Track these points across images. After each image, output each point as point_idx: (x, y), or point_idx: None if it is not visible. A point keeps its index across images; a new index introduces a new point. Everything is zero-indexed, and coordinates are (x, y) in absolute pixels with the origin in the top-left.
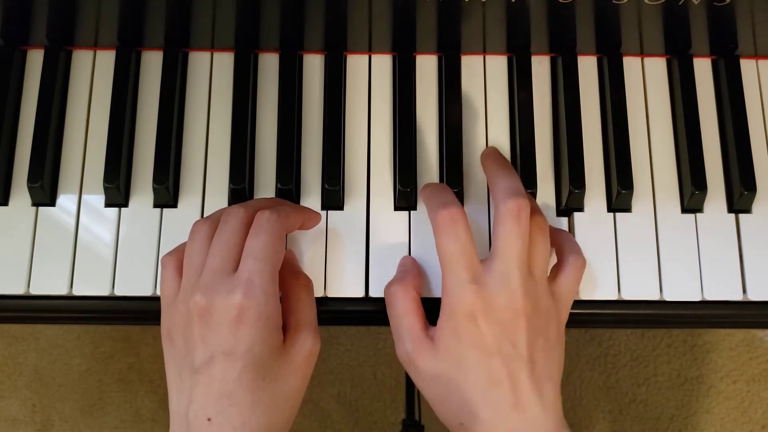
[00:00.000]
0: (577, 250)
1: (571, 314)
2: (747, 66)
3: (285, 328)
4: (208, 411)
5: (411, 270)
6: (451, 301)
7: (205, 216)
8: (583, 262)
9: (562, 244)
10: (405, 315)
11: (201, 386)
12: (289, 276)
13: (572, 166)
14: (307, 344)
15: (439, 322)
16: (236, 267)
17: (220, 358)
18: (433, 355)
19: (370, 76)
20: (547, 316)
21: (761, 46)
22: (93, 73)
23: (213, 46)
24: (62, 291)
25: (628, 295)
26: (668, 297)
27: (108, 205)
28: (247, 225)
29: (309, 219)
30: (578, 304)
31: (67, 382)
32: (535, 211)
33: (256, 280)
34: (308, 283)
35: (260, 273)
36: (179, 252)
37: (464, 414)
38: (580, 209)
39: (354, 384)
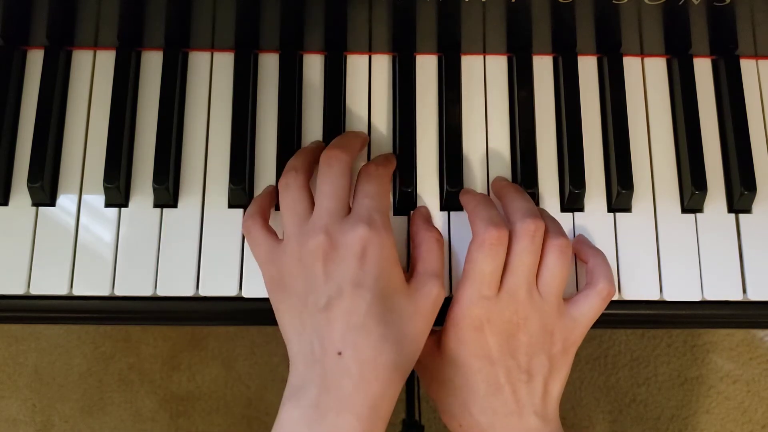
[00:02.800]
0: (608, 278)
1: None
2: (747, 66)
3: (413, 273)
4: (338, 345)
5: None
6: (462, 310)
7: (204, 215)
8: (610, 292)
9: (594, 268)
10: None
11: (328, 322)
12: (423, 227)
13: (572, 166)
14: (434, 290)
15: (446, 326)
16: (348, 209)
17: (348, 291)
18: (439, 358)
19: (370, 76)
20: (551, 336)
21: (761, 46)
22: (93, 73)
23: (213, 46)
24: (62, 291)
25: (628, 295)
26: (668, 297)
27: (108, 205)
28: (350, 168)
29: (394, 161)
30: None
31: (67, 382)
32: (559, 234)
33: (376, 216)
34: (440, 237)
35: (378, 211)
36: (258, 211)
37: (464, 417)
38: (580, 209)
39: None
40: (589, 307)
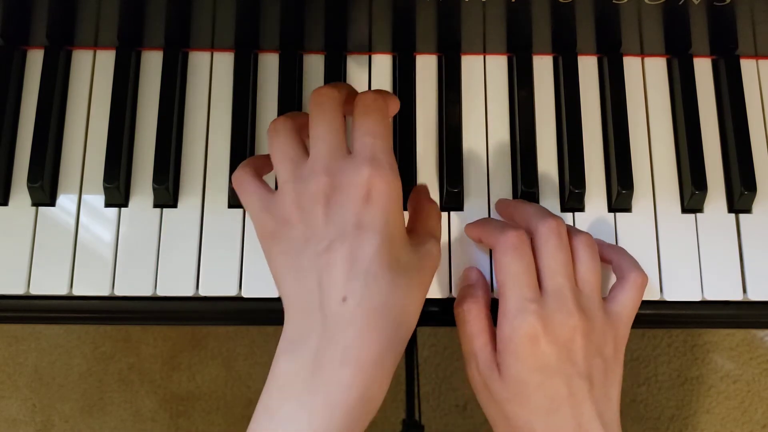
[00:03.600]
0: (637, 267)
1: None
2: (747, 66)
3: (415, 232)
4: (342, 290)
5: (481, 284)
6: (513, 322)
7: (204, 215)
8: (644, 280)
9: (620, 262)
10: (477, 335)
11: (331, 265)
12: (425, 196)
13: (572, 166)
14: (434, 250)
15: (499, 344)
16: (346, 150)
17: (351, 233)
18: (499, 377)
19: (370, 76)
20: (603, 335)
21: (761, 46)
22: (93, 73)
23: (213, 46)
24: (62, 291)
25: None
26: (668, 297)
27: (108, 205)
28: (342, 106)
29: (395, 103)
30: None
31: (67, 382)
32: (579, 230)
33: (380, 155)
34: (438, 209)
35: (382, 149)
36: (251, 164)
37: None
38: (581, 209)
39: None
40: (629, 298)
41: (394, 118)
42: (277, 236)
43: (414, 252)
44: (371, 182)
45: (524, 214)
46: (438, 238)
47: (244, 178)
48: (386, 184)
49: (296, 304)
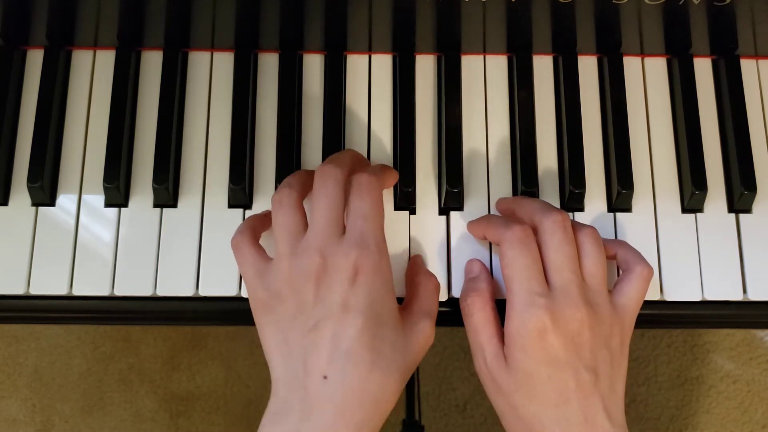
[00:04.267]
0: (642, 260)
1: None
2: (747, 66)
3: (408, 309)
4: (324, 369)
5: (484, 277)
6: (521, 316)
7: (204, 215)
8: (649, 273)
9: (625, 255)
10: (483, 327)
11: (315, 344)
12: (422, 270)
13: (572, 166)
14: (426, 329)
15: (507, 337)
16: (342, 229)
17: (337, 314)
18: (506, 370)
19: (370, 76)
20: (609, 328)
21: (761, 46)
22: (93, 73)
23: (213, 46)
24: (62, 291)
25: None
26: (668, 297)
27: (108, 205)
28: (345, 185)
29: (392, 177)
30: None
31: (67, 382)
32: (582, 224)
33: (370, 238)
34: (437, 284)
35: (373, 232)
36: (249, 229)
37: (535, 429)
38: (581, 209)
39: None
40: (635, 290)
41: (395, 118)
42: (269, 308)
43: (403, 331)
44: (358, 265)
45: (528, 210)
46: (433, 316)
47: (241, 244)
48: (373, 268)
49: (282, 378)
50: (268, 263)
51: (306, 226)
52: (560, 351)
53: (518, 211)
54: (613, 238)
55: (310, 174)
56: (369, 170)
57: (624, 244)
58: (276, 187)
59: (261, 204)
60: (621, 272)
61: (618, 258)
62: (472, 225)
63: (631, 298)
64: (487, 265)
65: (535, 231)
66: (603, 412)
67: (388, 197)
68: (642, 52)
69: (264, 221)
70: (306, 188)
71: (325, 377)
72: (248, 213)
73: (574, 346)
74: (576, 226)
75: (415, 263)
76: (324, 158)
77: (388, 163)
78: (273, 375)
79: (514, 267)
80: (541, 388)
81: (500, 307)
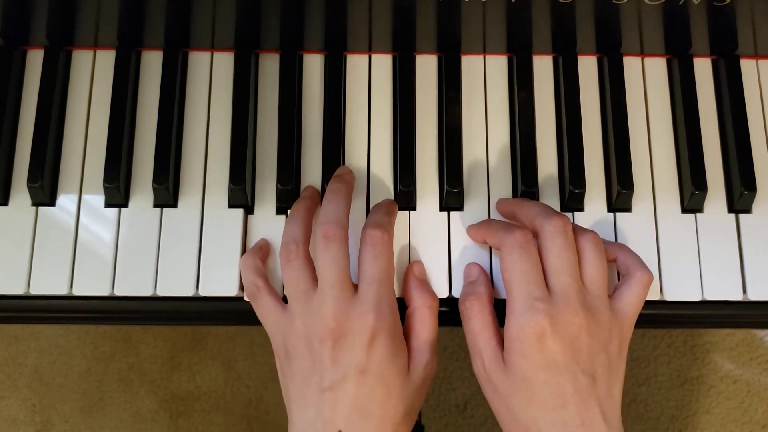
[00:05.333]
0: (642, 266)
1: None
2: (747, 66)
3: (409, 348)
4: (339, 424)
5: (483, 280)
6: (521, 320)
7: (204, 215)
8: (649, 279)
9: (626, 260)
10: (482, 331)
11: (331, 402)
12: (417, 294)
13: (572, 166)
14: (428, 367)
15: (506, 341)
16: (352, 286)
17: (353, 377)
18: (504, 373)
19: (370, 76)
20: (608, 333)
21: (761, 46)
22: (93, 73)
23: (213, 46)
24: (62, 291)
25: None
26: (668, 297)
27: (108, 205)
28: (347, 240)
29: (395, 216)
30: None
31: (67, 382)
32: (585, 228)
33: (384, 302)
34: (433, 303)
35: (387, 294)
36: (260, 276)
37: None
38: (581, 209)
39: None
40: (634, 296)
41: (395, 118)
42: (288, 359)
43: (409, 377)
44: (375, 331)
45: (529, 213)
46: (432, 344)
47: (258, 295)
48: (387, 332)
49: (299, 426)
50: (285, 314)
51: (316, 279)
52: (559, 355)
53: (519, 214)
54: (613, 238)
55: (310, 211)
56: (381, 223)
57: (624, 249)
58: (276, 187)
59: (261, 204)
60: (620, 277)
61: (618, 262)
62: (471, 229)
63: (631, 303)
64: (487, 266)
65: (536, 234)
66: (600, 416)
67: (388, 197)
68: (642, 52)
69: (263, 254)
70: (309, 231)
71: (340, 431)
72: (248, 214)
73: (573, 350)
74: (577, 231)
75: (409, 284)
76: (324, 158)
77: (387, 164)
78: (290, 418)
79: (514, 271)
80: (539, 392)
81: (499, 309)
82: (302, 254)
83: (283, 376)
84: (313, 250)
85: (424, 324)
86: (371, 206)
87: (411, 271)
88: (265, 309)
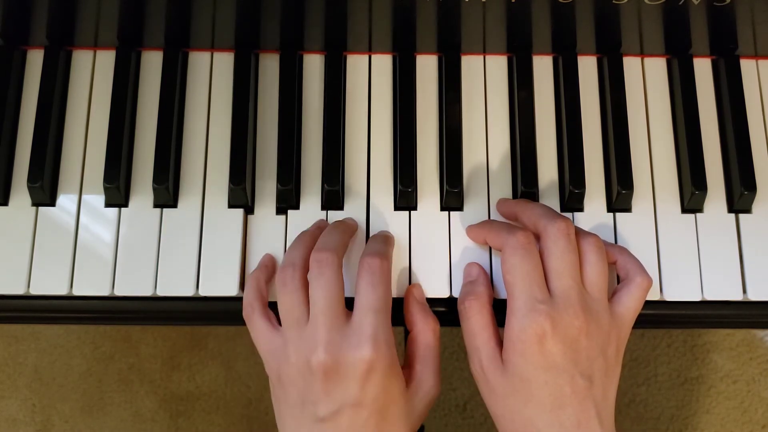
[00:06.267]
0: (642, 271)
1: None
2: (747, 66)
3: (410, 373)
4: None
5: (482, 280)
6: (522, 321)
7: (204, 215)
8: (649, 283)
9: (626, 264)
10: (480, 331)
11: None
12: (419, 318)
13: (572, 166)
14: (431, 394)
15: (506, 342)
16: (344, 313)
17: (347, 410)
18: (502, 373)
19: (370, 76)
20: (607, 336)
21: (761, 46)
22: (93, 73)
23: (213, 46)
24: (62, 291)
25: None
26: (668, 297)
27: (108, 205)
28: (341, 266)
29: (392, 247)
30: None
31: (67, 382)
32: (587, 231)
33: (380, 333)
34: (436, 327)
35: (383, 325)
36: (258, 298)
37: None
38: (580, 209)
39: None
40: (633, 300)
41: (395, 118)
42: (281, 385)
43: (409, 403)
44: (370, 364)
45: (532, 215)
46: (436, 371)
47: (252, 317)
48: (383, 364)
49: None
50: (279, 337)
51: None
52: (558, 357)
53: (521, 216)
54: (613, 238)
55: (314, 238)
56: (379, 252)
57: (625, 252)
58: (276, 187)
59: (261, 204)
60: (620, 279)
61: (618, 265)
62: (472, 230)
63: (629, 308)
64: (487, 266)
65: (537, 236)
66: (596, 418)
67: (388, 197)
68: (642, 53)
69: (267, 276)
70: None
71: None
72: (248, 214)
73: (572, 352)
74: (579, 234)
75: (410, 308)
76: (324, 158)
77: (387, 164)
78: None
79: (516, 273)
80: (537, 393)
81: (498, 309)
82: (298, 279)
83: (277, 400)
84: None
85: (428, 349)
86: (371, 208)
87: (411, 294)
88: (258, 332)
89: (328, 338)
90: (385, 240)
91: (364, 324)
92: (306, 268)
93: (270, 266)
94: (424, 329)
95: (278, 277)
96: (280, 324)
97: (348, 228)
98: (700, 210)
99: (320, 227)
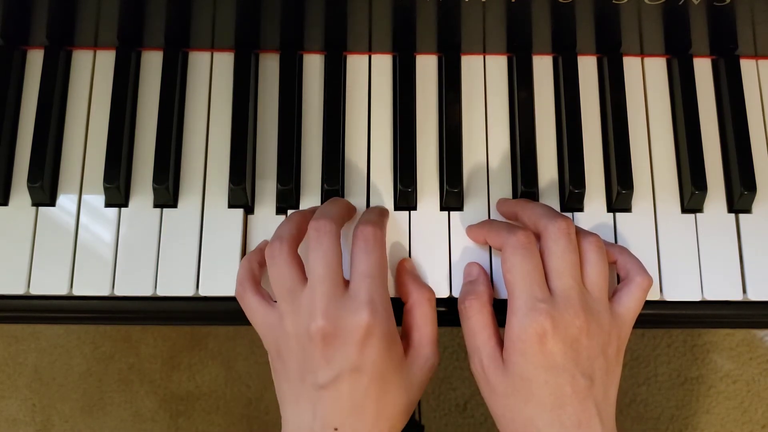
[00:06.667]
0: (643, 270)
1: None
2: (747, 66)
3: (408, 343)
4: (335, 422)
5: (482, 280)
6: (522, 321)
7: (204, 215)
8: (649, 283)
9: (626, 263)
10: (480, 330)
11: (326, 400)
12: (414, 288)
13: (572, 166)
14: (429, 362)
15: (507, 341)
16: (342, 282)
17: (347, 375)
18: (503, 373)
19: (370, 76)
20: (607, 336)
21: (761, 46)
22: (93, 73)
23: (213, 46)
24: (62, 291)
25: None
26: (668, 297)
27: (108, 205)
28: (339, 238)
29: (387, 219)
30: None
31: (67, 382)
32: (587, 231)
33: (377, 298)
34: (431, 296)
35: (379, 291)
36: (249, 278)
37: (529, 431)
38: (580, 209)
39: None
40: (634, 300)
41: (395, 118)
42: (279, 359)
43: (407, 372)
44: (368, 328)
45: (532, 214)
46: (434, 340)
47: (244, 295)
48: (381, 329)
49: (292, 424)
50: (274, 312)
51: (303, 276)
52: (559, 356)
53: (522, 215)
54: (613, 238)
55: (305, 217)
56: (372, 220)
57: (625, 252)
58: (276, 187)
59: (261, 204)
60: (620, 279)
61: (618, 264)
62: (472, 230)
63: (630, 308)
64: (487, 266)
65: (537, 235)
66: (596, 417)
67: (388, 197)
68: (642, 52)
69: (262, 256)
70: (300, 233)
71: (335, 429)
72: (248, 214)
73: (573, 352)
74: (580, 233)
75: (403, 279)
76: (324, 158)
77: (387, 164)
78: (283, 416)
79: (517, 272)
80: (538, 392)
81: (498, 309)
82: (286, 251)
83: (276, 374)
84: (304, 252)
85: (425, 318)
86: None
87: (403, 267)
88: (251, 308)
89: (326, 305)
90: (380, 212)
91: (360, 290)
92: (295, 242)
93: (264, 249)
94: (420, 299)
95: (267, 252)
96: (274, 301)
97: (347, 204)
98: (700, 210)
99: (312, 210)
